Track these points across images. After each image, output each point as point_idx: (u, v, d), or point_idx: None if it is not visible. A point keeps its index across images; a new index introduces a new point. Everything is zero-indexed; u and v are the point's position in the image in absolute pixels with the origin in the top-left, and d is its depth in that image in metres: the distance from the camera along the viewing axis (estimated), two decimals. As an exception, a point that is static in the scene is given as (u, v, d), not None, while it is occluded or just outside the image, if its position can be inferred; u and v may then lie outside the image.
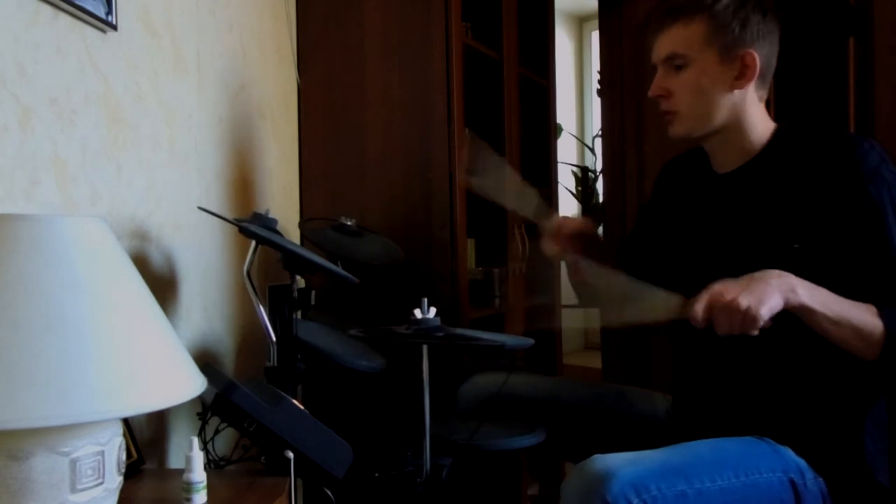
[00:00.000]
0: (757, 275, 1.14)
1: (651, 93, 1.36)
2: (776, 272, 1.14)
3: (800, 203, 1.24)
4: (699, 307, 1.13)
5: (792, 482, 1.17)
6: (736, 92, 1.29)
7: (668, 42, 1.32)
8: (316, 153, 2.11)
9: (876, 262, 1.18)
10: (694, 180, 1.45)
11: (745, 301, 1.09)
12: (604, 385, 1.65)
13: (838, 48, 2.30)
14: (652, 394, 1.57)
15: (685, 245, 1.44)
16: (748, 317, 1.09)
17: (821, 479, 1.19)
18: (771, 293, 1.10)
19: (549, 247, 1.47)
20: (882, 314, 1.14)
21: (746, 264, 1.26)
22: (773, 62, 1.33)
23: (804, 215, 1.23)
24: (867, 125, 2.28)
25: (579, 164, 5.11)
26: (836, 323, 1.14)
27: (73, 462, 0.83)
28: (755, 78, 1.29)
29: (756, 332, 1.10)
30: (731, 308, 1.09)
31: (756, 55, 1.28)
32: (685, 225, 1.45)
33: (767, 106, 1.37)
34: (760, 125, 1.33)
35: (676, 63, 1.31)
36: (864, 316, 1.14)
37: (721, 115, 1.31)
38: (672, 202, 1.51)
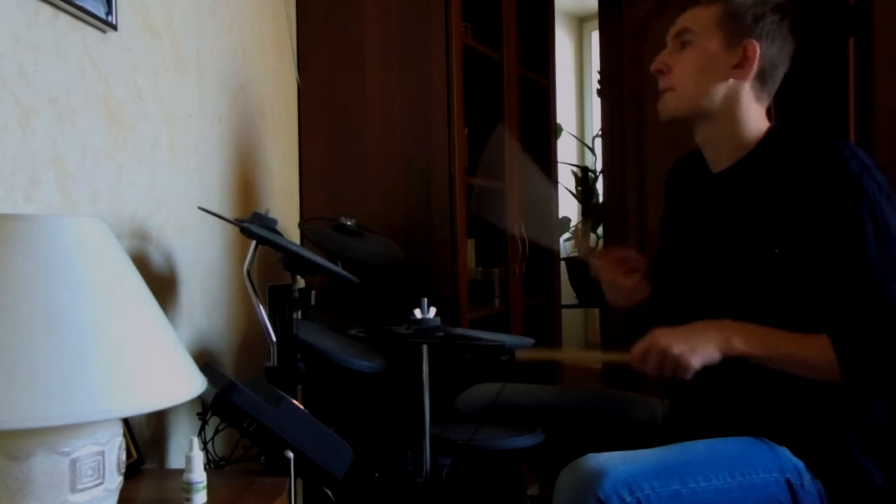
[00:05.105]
0: (697, 325, 1.21)
1: (652, 67, 1.38)
2: (717, 322, 1.21)
3: (782, 208, 1.24)
4: (637, 348, 1.21)
5: (789, 483, 1.17)
6: (731, 81, 1.30)
7: (684, 19, 1.35)
8: (316, 153, 2.11)
9: (850, 274, 1.18)
10: (693, 181, 1.45)
11: (678, 349, 1.16)
12: (601, 391, 1.65)
13: (838, 48, 2.30)
14: (649, 399, 1.57)
15: (684, 247, 1.44)
16: (679, 364, 1.17)
17: (818, 481, 1.19)
18: (705, 344, 1.17)
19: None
20: (836, 346, 1.15)
21: (730, 266, 1.28)
22: (780, 67, 1.33)
23: (785, 220, 1.23)
24: (867, 125, 2.27)
25: (579, 164, 5.11)
26: (783, 363, 1.19)
27: (73, 462, 0.83)
28: (753, 72, 1.30)
29: (688, 378, 1.17)
30: (665, 353, 1.17)
31: (758, 48, 1.29)
32: (685, 226, 1.46)
33: (767, 106, 1.37)
34: (754, 124, 1.33)
35: (683, 39, 1.34)
36: (814, 352, 1.17)
37: (712, 100, 1.31)
38: (677, 204, 1.52)
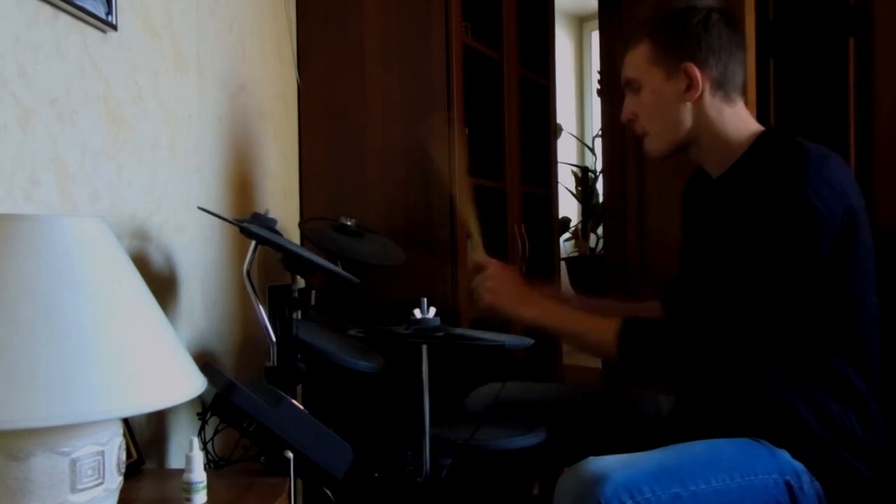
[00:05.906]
0: (524, 288, 1.43)
1: (622, 118, 1.42)
2: (536, 298, 1.42)
3: (743, 212, 1.25)
4: (479, 277, 1.45)
5: (788, 485, 1.17)
6: (689, 104, 1.32)
7: (624, 69, 1.39)
8: (316, 153, 2.11)
9: (723, 265, 1.21)
10: (701, 190, 1.47)
11: (489, 295, 1.42)
12: (607, 387, 1.66)
13: (838, 48, 2.30)
14: (655, 395, 1.57)
15: (696, 255, 1.46)
16: (484, 301, 1.43)
17: (817, 483, 1.19)
18: (510, 305, 1.41)
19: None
20: (619, 334, 1.28)
21: (708, 267, 1.29)
22: (732, 61, 1.33)
23: (744, 225, 1.24)
24: (867, 125, 2.27)
25: (579, 164, 5.11)
26: (568, 339, 1.47)
27: (73, 462, 0.83)
28: (706, 88, 1.31)
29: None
30: (480, 286, 1.43)
31: (697, 67, 1.30)
32: (696, 235, 1.47)
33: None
34: (735, 127, 1.34)
35: (634, 87, 1.38)
36: (596, 335, 1.33)
37: (683, 127, 1.34)
38: (692, 215, 1.53)
